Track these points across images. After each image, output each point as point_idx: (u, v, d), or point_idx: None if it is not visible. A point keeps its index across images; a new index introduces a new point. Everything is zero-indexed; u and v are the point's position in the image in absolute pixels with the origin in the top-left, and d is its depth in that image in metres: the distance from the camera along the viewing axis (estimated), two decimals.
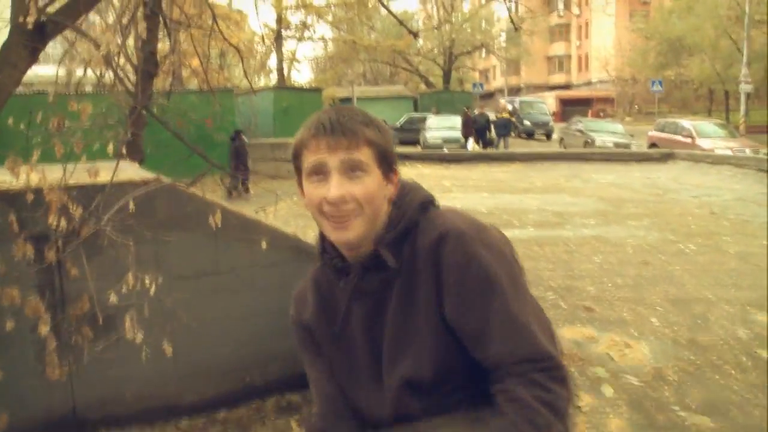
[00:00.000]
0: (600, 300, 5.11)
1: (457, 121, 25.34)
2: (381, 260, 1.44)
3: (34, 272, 4.39)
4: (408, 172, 13.40)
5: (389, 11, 14.63)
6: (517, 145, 26.42)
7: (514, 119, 27.25)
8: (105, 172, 4.63)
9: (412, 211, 1.46)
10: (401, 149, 19.37)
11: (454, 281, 1.36)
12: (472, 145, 23.43)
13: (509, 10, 9.53)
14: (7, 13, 4.51)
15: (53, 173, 4.28)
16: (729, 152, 18.20)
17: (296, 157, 1.47)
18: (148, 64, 8.21)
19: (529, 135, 32.04)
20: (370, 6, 30.55)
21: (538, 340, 1.32)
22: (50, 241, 4.16)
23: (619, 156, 18.00)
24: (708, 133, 21.25)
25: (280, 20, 32.42)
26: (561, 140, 26.99)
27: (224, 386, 5.55)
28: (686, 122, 22.66)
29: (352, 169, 1.39)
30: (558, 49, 64.56)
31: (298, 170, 1.47)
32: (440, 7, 45.68)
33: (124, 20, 8.40)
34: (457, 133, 24.18)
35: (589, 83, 59.65)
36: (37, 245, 4.22)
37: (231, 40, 11.32)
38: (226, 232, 4.93)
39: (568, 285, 5.57)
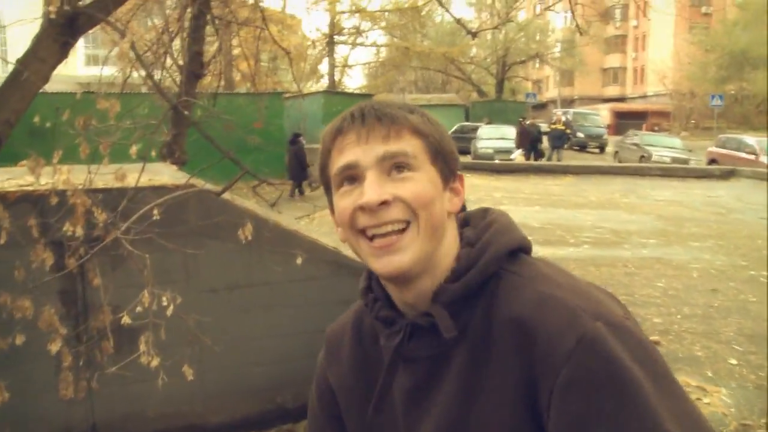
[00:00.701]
0: (667, 332, 4.62)
1: (508, 131, 24.87)
2: (435, 324, 1.00)
3: (56, 280, 4.14)
4: None
5: (446, 9, 14.32)
6: (569, 157, 25.77)
7: (569, 131, 26.60)
8: (137, 176, 4.36)
9: (494, 257, 1.01)
10: None
11: (582, 396, 0.87)
12: (516, 155, 22.85)
13: (574, 13, 9.05)
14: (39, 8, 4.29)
15: (79, 176, 4.02)
16: None
17: (323, 170, 1.06)
18: (194, 64, 8.01)
19: (582, 147, 31.32)
20: (423, 12, 30.33)
21: None
22: (71, 248, 3.88)
23: (677, 172, 17.28)
24: None
25: (333, 25, 32.41)
26: (616, 153, 26.28)
27: (254, 407, 5.25)
28: (750, 138, 21.73)
29: (396, 167, 0.99)
30: (613, 60, 63.39)
31: (327, 189, 1.06)
32: (495, 16, 45.22)
33: (171, 19, 8.25)
34: (509, 144, 23.69)
35: (644, 96, 58.37)
36: (58, 251, 3.97)
37: (282, 43, 11.12)
38: (260, 243, 4.62)
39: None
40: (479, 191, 12.08)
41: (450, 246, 1.03)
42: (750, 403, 3.39)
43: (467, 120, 33.24)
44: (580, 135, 31.16)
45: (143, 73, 5.90)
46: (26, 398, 4.22)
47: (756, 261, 7.09)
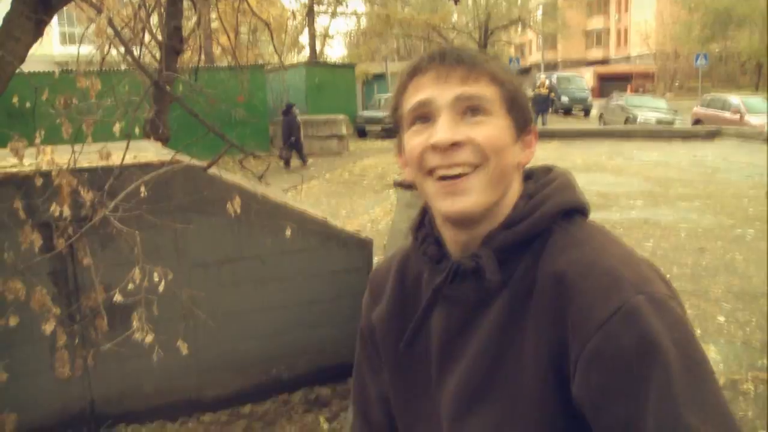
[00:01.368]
0: None
1: None
2: (481, 266, 1.00)
3: (46, 261, 4.12)
4: None
5: None
6: (554, 121, 25.71)
7: (553, 95, 26.56)
8: (122, 153, 4.32)
9: (549, 212, 1.00)
10: None
11: (609, 369, 0.85)
12: None
13: None
14: None
15: (63, 156, 3.98)
16: None
17: (395, 110, 1.05)
18: (173, 39, 7.90)
19: (567, 111, 31.32)
20: None
21: None
22: (60, 228, 3.86)
23: (663, 133, 17.29)
24: (758, 109, 20.27)
25: None
26: (601, 116, 26.25)
27: (249, 379, 5.28)
28: (734, 98, 21.72)
29: (471, 110, 0.98)
30: (596, 23, 63.08)
31: (398, 128, 1.05)
32: None
33: None
34: None
35: (628, 58, 58.20)
36: (46, 233, 3.95)
37: (261, 15, 10.98)
38: (249, 216, 4.61)
39: None
40: None
41: (512, 197, 1.03)
42: (738, 359, 3.45)
43: None
44: (565, 99, 31.15)
45: (122, 50, 5.82)
46: (23, 378, 4.23)
47: (742, 220, 7.15)
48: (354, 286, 4.99)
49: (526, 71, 54.65)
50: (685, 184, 9.82)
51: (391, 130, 1.11)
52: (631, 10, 57.90)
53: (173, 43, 7.83)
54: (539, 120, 23.68)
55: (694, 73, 37.02)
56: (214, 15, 11.63)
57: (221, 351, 5.08)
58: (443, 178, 0.98)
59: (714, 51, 39.76)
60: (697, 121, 21.48)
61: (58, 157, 3.73)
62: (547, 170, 1.09)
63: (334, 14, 35.19)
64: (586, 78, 40.54)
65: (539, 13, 51.02)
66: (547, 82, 26.62)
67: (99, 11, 3.43)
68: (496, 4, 43.73)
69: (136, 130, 4.68)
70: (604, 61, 60.23)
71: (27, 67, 4.54)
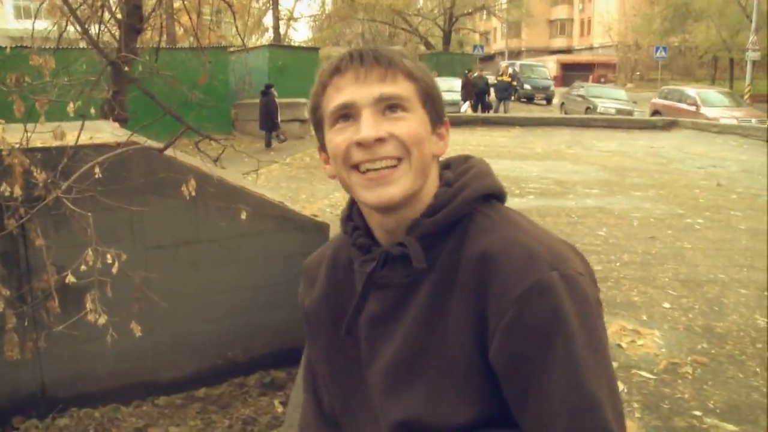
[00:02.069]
0: (606, 279, 4.77)
1: (456, 83, 24.82)
2: (407, 253, 1.07)
3: None
4: None
5: None
6: (516, 109, 25.87)
7: (515, 83, 26.75)
8: (77, 134, 4.26)
9: (469, 197, 1.08)
10: None
11: (522, 338, 0.95)
12: (466, 108, 22.92)
13: None
14: None
15: (15, 135, 3.91)
16: (734, 121, 17.82)
17: (315, 110, 1.10)
18: (132, 18, 7.78)
19: (529, 99, 31.57)
20: None
21: (607, 421, 0.93)
22: (11, 208, 3.80)
23: (622, 123, 17.57)
24: (713, 102, 20.81)
25: None
26: (562, 105, 26.57)
27: (205, 362, 5.28)
28: (691, 90, 22.22)
29: (390, 108, 1.04)
30: (560, 12, 63.59)
31: (318, 127, 1.10)
32: None
33: None
34: (456, 96, 23.69)
35: (590, 48, 58.83)
36: None
37: None
38: (205, 199, 4.59)
39: None
40: None
41: (431, 186, 1.10)
42: (680, 343, 3.56)
43: None
44: (527, 87, 31.38)
45: (79, 27, 5.72)
46: None
47: (692, 209, 7.33)
48: None
49: (489, 58, 54.83)
50: (640, 173, 10.01)
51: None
52: (594, 1, 58.47)
53: (132, 22, 7.71)
54: (501, 107, 23.82)
55: (654, 64, 37.59)
56: None
57: (177, 333, 5.07)
58: (368, 170, 1.04)
59: (673, 44, 40.37)
60: (655, 112, 21.90)
61: (10, 136, 3.67)
62: (465, 159, 1.17)
63: None
64: (550, 67, 40.92)
65: (504, 0, 51.22)
66: (510, 70, 26.78)
67: None
68: None
69: (92, 111, 4.60)
70: (568, 50, 60.81)
71: None
